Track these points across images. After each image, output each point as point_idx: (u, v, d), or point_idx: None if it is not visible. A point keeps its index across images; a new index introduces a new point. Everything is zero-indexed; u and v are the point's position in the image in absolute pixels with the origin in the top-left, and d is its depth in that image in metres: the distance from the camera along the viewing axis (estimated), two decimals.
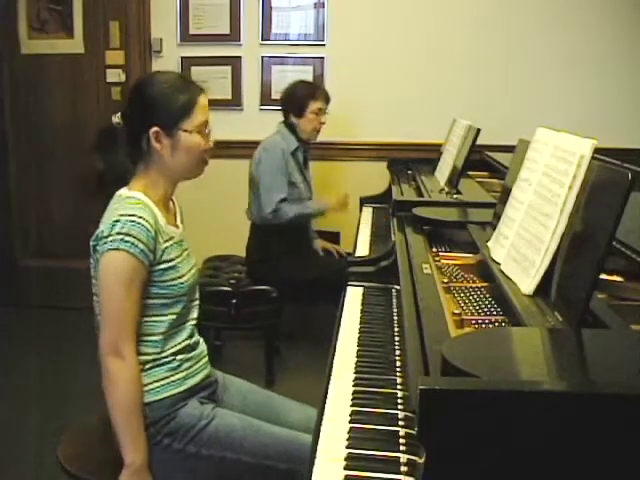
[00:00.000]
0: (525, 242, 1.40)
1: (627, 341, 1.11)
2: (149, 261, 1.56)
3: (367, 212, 3.54)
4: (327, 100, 3.42)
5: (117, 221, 1.54)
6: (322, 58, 4.08)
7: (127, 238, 1.52)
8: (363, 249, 2.77)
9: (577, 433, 0.83)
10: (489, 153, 3.45)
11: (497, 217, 1.71)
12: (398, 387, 1.37)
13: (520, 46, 3.97)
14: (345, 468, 1.10)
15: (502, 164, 3.00)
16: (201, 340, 1.77)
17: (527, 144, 1.61)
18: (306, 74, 4.00)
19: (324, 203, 3.43)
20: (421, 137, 3.99)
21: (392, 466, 1.11)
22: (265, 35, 4.10)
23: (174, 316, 1.64)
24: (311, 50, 4.09)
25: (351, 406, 1.30)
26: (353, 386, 1.38)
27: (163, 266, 1.60)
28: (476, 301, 1.46)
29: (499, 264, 1.51)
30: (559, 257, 1.25)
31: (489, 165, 3.40)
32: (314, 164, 3.66)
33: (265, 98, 4.14)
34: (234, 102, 4.16)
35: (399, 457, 1.13)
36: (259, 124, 3.82)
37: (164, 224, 1.64)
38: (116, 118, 1.68)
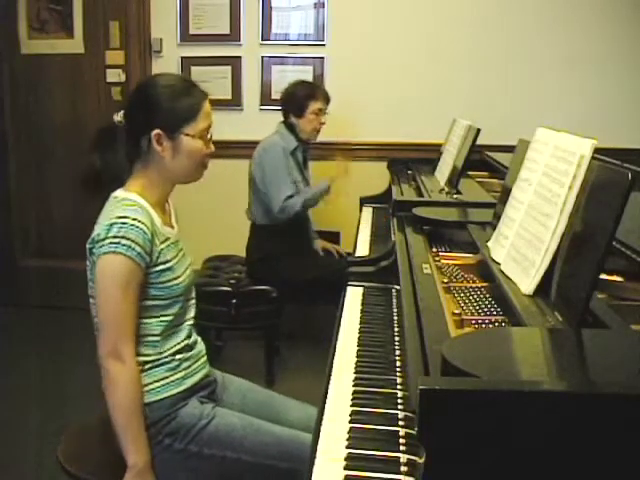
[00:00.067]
0: (525, 242, 1.40)
1: (627, 341, 1.11)
2: (146, 263, 1.56)
3: (367, 212, 3.53)
4: (327, 100, 3.43)
5: (113, 224, 1.53)
6: (322, 58, 4.08)
7: (124, 241, 1.52)
8: (363, 249, 2.77)
9: (577, 433, 0.83)
10: (489, 153, 3.45)
11: (497, 217, 1.71)
12: (398, 387, 1.37)
13: (520, 46, 3.97)
14: (345, 468, 1.10)
15: (502, 164, 3.00)
16: (199, 339, 1.78)
17: (527, 144, 1.61)
18: (306, 74, 4.00)
19: (323, 181, 3.41)
20: (421, 137, 3.99)
21: (392, 466, 1.11)
22: (265, 35, 4.10)
23: (171, 317, 1.64)
24: (311, 50, 4.09)
25: (351, 406, 1.30)
26: (353, 386, 1.38)
27: (160, 268, 1.61)
28: (476, 301, 1.46)
29: (499, 264, 1.51)
30: (559, 257, 1.25)
31: (489, 165, 3.40)
32: (314, 164, 3.66)
33: (265, 98, 4.14)
34: (234, 102, 4.16)
35: (399, 457, 1.13)
36: (259, 124, 3.83)
37: (160, 225, 1.64)
38: (118, 117, 1.68)
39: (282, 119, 3.43)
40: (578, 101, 3.94)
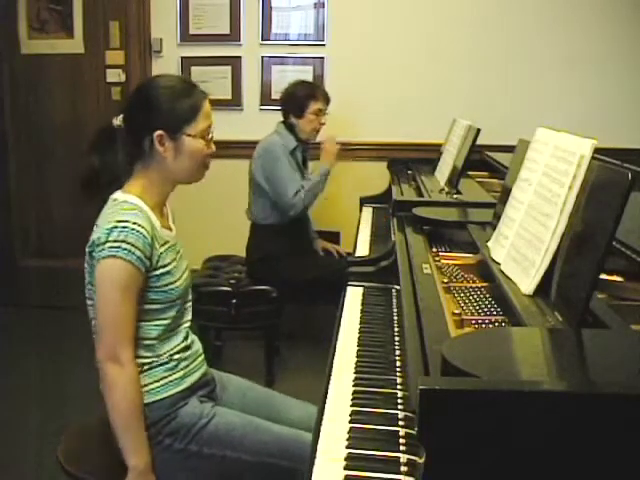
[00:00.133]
0: (525, 242, 1.40)
1: (627, 341, 1.11)
2: (145, 267, 1.57)
3: (367, 212, 3.53)
4: (327, 101, 3.42)
5: (114, 228, 1.53)
6: (322, 58, 4.09)
7: (124, 245, 1.52)
8: (363, 249, 2.77)
9: (577, 433, 0.83)
10: (489, 153, 3.45)
11: (497, 217, 1.71)
12: (398, 387, 1.37)
13: (520, 46, 3.97)
14: (345, 468, 1.10)
15: (502, 164, 3.00)
16: (195, 339, 1.78)
17: (527, 144, 1.61)
18: (306, 74, 4.01)
19: (319, 167, 3.39)
20: (421, 137, 3.99)
21: (392, 466, 1.11)
22: (265, 35, 4.10)
23: (169, 320, 1.64)
24: (311, 50, 4.09)
25: (351, 406, 1.30)
26: (353, 386, 1.38)
27: (159, 272, 1.61)
28: (476, 301, 1.46)
29: (499, 264, 1.51)
30: (559, 257, 1.25)
31: (489, 165, 3.40)
32: (314, 164, 3.66)
33: (265, 98, 4.15)
34: (234, 102, 4.16)
35: (399, 457, 1.13)
36: (259, 124, 3.82)
37: (159, 228, 1.64)
38: (117, 121, 1.68)
39: (282, 119, 3.43)
40: (578, 101, 3.94)
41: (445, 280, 1.60)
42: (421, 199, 2.71)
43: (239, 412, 1.70)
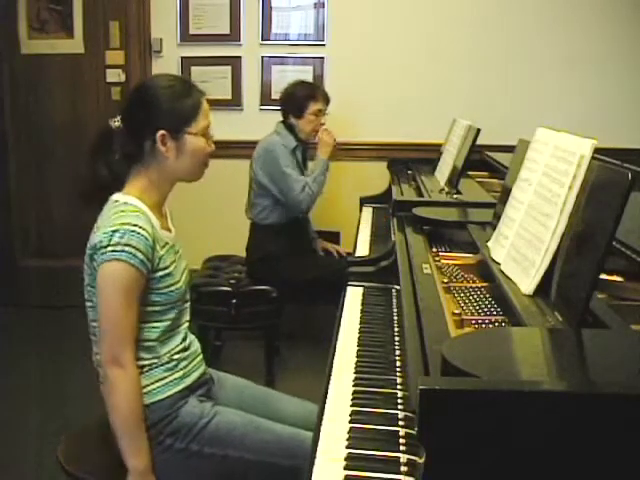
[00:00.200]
0: (525, 242, 1.40)
1: (627, 341, 1.11)
2: (147, 270, 1.57)
3: (367, 212, 3.53)
4: (327, 101, 3.42)
5: (116, 231, 1.53)
6: (322, 58, 4.09)
7: (127, 248, 1.52)
8: (363, 249, 2.77)
9: (577, 433, 0.83)
10: (489, 153, 3.45)
11: (497, 217, 1.71)
12: (398, 387, 1.37)
13: (520, 46, 3.97)
14: (345, 468, 1.10)
15: (502, 164, 3.00)
16: (193, 338, 1.78)
17: (527, 144, 1.61)
18: (306, 74, 4.01)
19: (317, 161, 3.39)
20: (421, 137, 3.99)
21: (392, 466, 1.11)
22: (265, 35, 4.10)
23: (168, 322, 1.64)
24: (311, 50, 4.09)
25: (351, 406, 1.30)
26: (353, 386, 1.38)
27: (160, 273, 1.61)
28: (476, 301, 1.46)
29: (499, 264, 1.51)
30: (559, 257, 1.25)
31: (489, 165, 3.40)
32: (313, 164, 3.66)
33: (265, 98, 4.14)
34: (234, 102, 4.16)
35: (399, 457, 1.13)
36: (259, 124, 3.82)
37: (159, 229, 1.64)
38: (116, 122, 1.67)
39: (281, 119, 3.43)
40: (578, 101, 3.94)
41: (445, 280, 1.60)
42: (421, 199, 2.71)
43: (239, 411, 1.70)
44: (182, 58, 4.12)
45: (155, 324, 1.62)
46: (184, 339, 1.70)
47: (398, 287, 1.78)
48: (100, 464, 1.65)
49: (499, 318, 1.35)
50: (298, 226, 3.46)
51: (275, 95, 3.91)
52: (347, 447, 1.16)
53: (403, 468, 1.10)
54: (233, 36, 4.10)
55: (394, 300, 1.85)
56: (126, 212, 1.57)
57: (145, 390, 1.59)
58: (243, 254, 3.48)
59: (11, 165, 4.32)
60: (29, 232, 4.38)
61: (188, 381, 1.67)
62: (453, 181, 2.89)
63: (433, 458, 0.85)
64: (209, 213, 4.13)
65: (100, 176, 1.67)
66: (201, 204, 4.02)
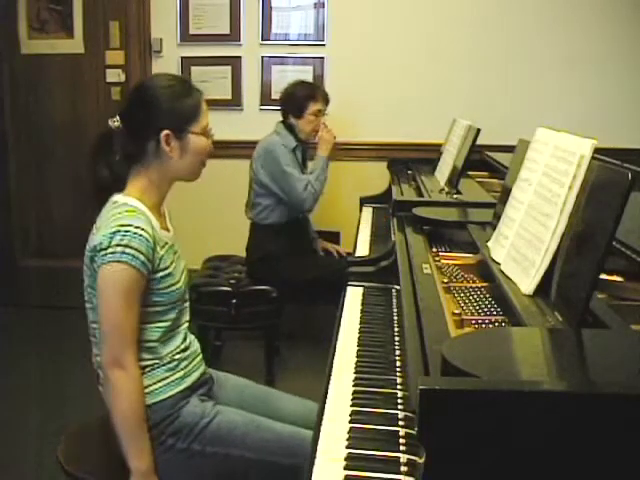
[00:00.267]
0: (525, 242, 1.40)
1: (627, 341, 1.11)
2: (148, 271, 1.56)
3: (367, 212, 3.53)
4: (327, 102, 3.42)
5: (116, 232, 1.53)
6: (322, 58, 4.09)
7: (128, 250, 1.52)
8: (363, 249, 2.77)
9: (577, 433, 0.83)
10: (489, 153, 3.45)
11: (497, 217, 1.71)
12: (398, 387, 1.37)
13: (520, 46, 3.97)
14: (345, 468, 1.10)
15: (502, 164, 3.00)
16: (193, 338, 1.78)
17: (527, 144, 1.61)
18: (306, 74, 4.01)
19: (317, 159, 3.38)
20: (421, 137, 3.99)
21: (392, 466, 1.11)
22: (265, 35, 4.10)
23: (169, 322, 1.64)
24: (311, 50, 4.09)
25: (351, 406, 1.30)
26: (353, 386, 1.38)
27: (160, 274, 1.61)
28: (476, 301, 1.46)
29: (499, 264, 1.51)
30: (559, 257, 1.25)
31: (489, 165, 3.40)
32: (312, 163, 3.66)
33: (265, 98, 4.14)
34: (234, 102, 4.16)
35: (399, 457, 1.13)
36: (259, 124, 3.82)
37: (158, 230, 1.64)
38: (115, 122, 1.67)
39: (281, 119, 3.43)
40: (578, 101, 3.94)
41: (445, 280, 1.60)
42: (421, 199, 2.71)
43: (240, 410, 1.71)
44: (182, 58, 4.13)
45: (156, 325, 1.62)
46: (184, 339, 1.70)
47: (398, 287, 1.78)
48: (100, 464, 1.65)
49: (499, 318, 1.35)
50: (298, 226, 3.46)
51: (275, 95, 3.91)
52: (347, 447, 1.16)
53: (403, 468, 1.10)
54: (233, 36, 4.11)
55: (394, 300, 1.85)
56: (126, 213, 1.57)
57: (147, 390, 1.59)
58: (243, 254, 3.48)
59: (11, 165, 4.32)
60: (29, 232, 4.39)
61: (189, 381, 1.67)
62: (453, 181, 2.89)
63: (433, 458, 0.85)
64: (209, 213, 4.13)
65: (101, 177, 1.67)
66: (201, 204, 4.02)
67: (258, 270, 3.33)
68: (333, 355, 1.54)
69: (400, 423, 1.23)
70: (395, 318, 1.72)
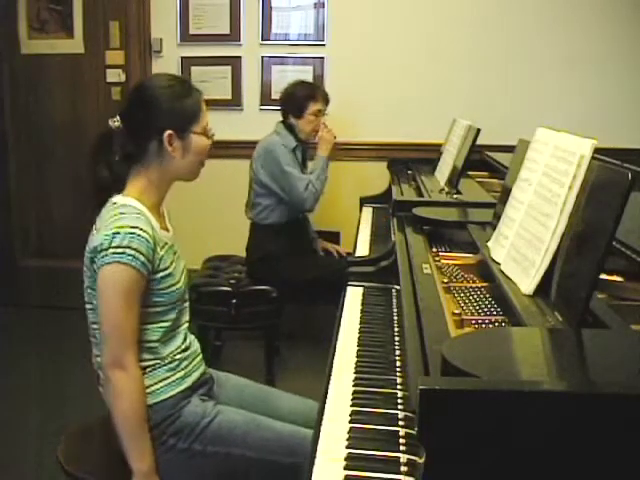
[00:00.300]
0: (525, 242, 1.40)
1: (627, 341, 1.11)
2: (148, 271, 1.57)
3: (367, 212, 3.53)
4: (326, 102, 3.42)
5: (116, 233, 1.53)
6: (322, 58, 4.08)
7: (128, 251, 1.52)
8: (363, 249, 2.77)
9: (577, 433, 0.83)
10: (489, 153, 3.45)
11: (497, 217, 1.71)
12: (398, 387, 1.37)
13: (520, 46, 3.97)
14: (345, 468, 1.10)
15: (502, 164, 3.00)
16: (193, 338, 1.78)
17: (527, 144, 1.61)
18: (306, 74, 4.00)
19: (317, 159, 3.38)
20: (421, 137, 3.99)
21: (392, 466, 1.11)
22: (265, 35, 4.10)
23: (169, 322, 1.64)
24: (311, 50, 4.09)
25: (351, 406, 1.30)
26: (353, 386, 1.38)
27: (161, 274, 1.61)
28: (476, 301, 1.46)
29: (499, 264, 1.51)
30: (559, 257, 1.25)
31: (489, 165, 3.40)
32: (312, 163, 3.66)
33: (265, 98, 4.14)
34: (234, 102, 4.16)
35: (399, 457, 1.13)
36: (259, 124, 3.82)
37: (158, 230, 1.64)
38: (116, 122, 1.67)
39: (281, 119, 3.43)
40: (578, 101, 3.94)
41: (445, 280, 1.60)
42: (421, 199, 2.71)
43: (241, 410, 1.71)
44: (182, 58, 4.13)
45: (156, 325, 1.62)
46: (185, 339, 1.71)
47: (398, 287, 1.78)
48: (100, 464, 1.65)
49: (499, 318, 1.35)
50: (298, 226, 3.46)
51: (275, 95, 3.91)
52: (347, 447, 1.16)
53: (403, 468, 1.10)
54: (233, 36, 4.10)
55: (394, 300, 1.85)
56: (126, 214, 1.57)
57: (148, 390, 1.59)
58: (243, 254, 3.48)
59: (11, 165, 4.33)
60: (29, 232, 4.39)
61: (190, 381, 1.67)
62: (453, 181, 2.89)
63: (433, 458, 0.85)
64: (209, 213, 4.13)
65: (101, 177, 1.67)
66: (201, 204, 4.02)
67: (258, 270, 3.33)
68: (333, 355, 1.54)
69: (400, 423, 1.23)
70: (395, 318, 1.72)
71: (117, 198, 1.62)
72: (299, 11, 4.11)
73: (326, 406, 1.31)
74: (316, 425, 1.25)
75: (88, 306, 1.63)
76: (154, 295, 1.60)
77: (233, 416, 1.67)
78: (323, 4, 4.04)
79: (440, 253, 1.84)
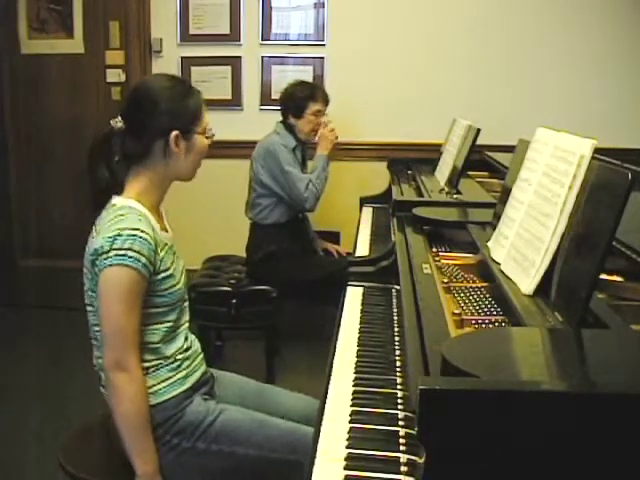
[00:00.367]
0: (525, 242, 1.40)
1: (627, 341, 1.11)
2: (149, 273, 1.56)
3: (367, 212, 3.53)
4: (326, 102, 3.42)
5: (118, 235, 1.52)
6: (322, 58, 4.09)
7: (130, 253, 1.52)
8: (363, 249, 2.77)
9: (577, 433, 0.83)
10: (489, 153, 3.45)
11: (497, 217, 1.71)
12: (398, 387, 1.37)
13: (520, 46, 3.97)
14: (345, 468, 1.10)
15: (502, 164, 3.00)
16: (194, 338, 1.78)
17: (527, 144, 1.61)
18: (306, 74, 4.01)
19: (317, 158, 3.38)
20: (421, 137, 3.99)
21: (392, 466, 1.11)
22: (265, 35, 4.10)
23: (170, 323, 1.64)
24: (311, 50, 4.09)
25: (351, 406, 1.30)
26: (353, 386, 1.38)
27: (161, 275, 1.61)
28: (476, 301, 1.46)
29: (499, 264, 1.51)
30: (559, 257, 1.25)
31: (489, 165, 3.40)
32: (311, 164, 3.66)
33: (265, 98, 4.15)
34: (234, 102, 4.16)
35: (399, 457, 1.13)
36: (259, 124, 3.82)
37: (158, 231, 1.64)
38: (119, 123, 1.66)
39: (281, 119, 3.43)
40: (578, 101, 3.94)
41: (445, 280, 1.60)
42: (421, 199, 2.71)
43: (243, 408, 1.71)
44: (182, 58, 4.13)
45: (158, 326, 1.62)
46: (186, 339, 1.71)
47: (398, 287, 1.78)
48: (100, 464, 1.65)
49: (499, 318, 1.35)
50: (298, 226, 3.46)
51: (275, 95, 3.91)
52: (347, 447, 1.16)
53: (403, 468, 1.10)
54: (233, 36, 4.11)
55: (394, 300, 1.85)
56: (126, 216, 1.56)
57: (151, 390, 1.59)
58: (243, 254, 3.48)
59: (11, 165, 4.33)
60: (29, 232, 4.39)
61: (191, 380, 1.67)
62: (453, 181, 2.89)
63: (433, 458, 0.85)
64: (209, 213, 4.13)
65: (100, 178, 1.67)
66: (201, 204, 4.02)
67: (258, 270, 3.33)
68: (333, 355, 1.54)
69: (400, 423, 1.23)
70: (395, 318, 1.72)
71: (117, 200, 1.62)
72: (299, 11, 4.11)
73: (326, 406, 1.31)
74: (316, 425, 1.25)
75: (89, 308, 1.62)
76: (155, 296, 1.60)
77: (236, 414, 1.67)
78: (323, 4, 4.04)
79: (440, 253, 1.84)
